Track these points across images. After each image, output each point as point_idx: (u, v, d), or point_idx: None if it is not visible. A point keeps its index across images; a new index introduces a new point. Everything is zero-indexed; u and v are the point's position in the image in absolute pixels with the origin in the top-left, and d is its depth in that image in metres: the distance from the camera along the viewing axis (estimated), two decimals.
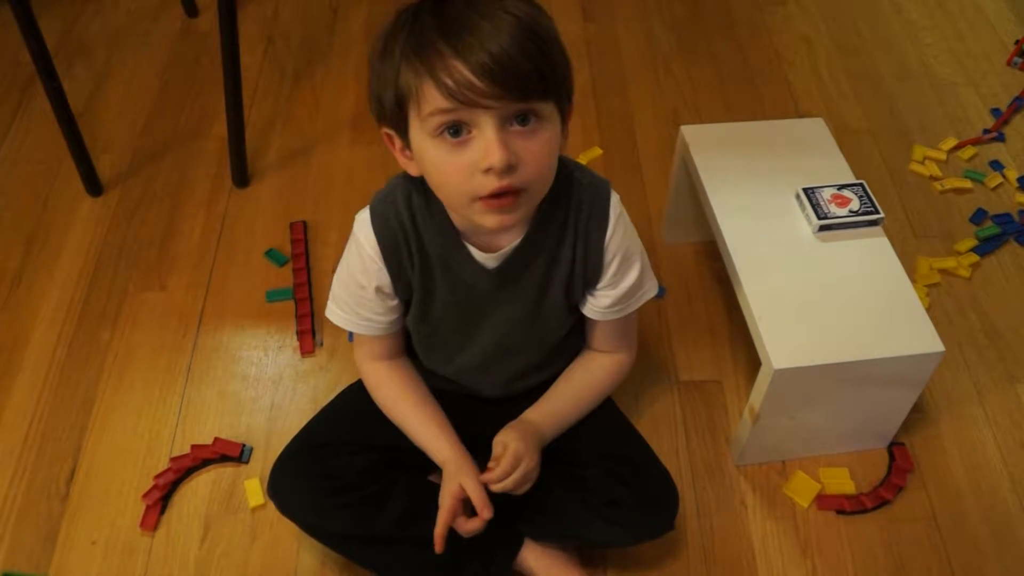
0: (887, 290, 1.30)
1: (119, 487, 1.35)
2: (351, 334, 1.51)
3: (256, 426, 1.42)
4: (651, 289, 1.18)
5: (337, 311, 1.16)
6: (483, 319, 1.14)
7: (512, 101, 0.90)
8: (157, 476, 1.34)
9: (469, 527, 1.11)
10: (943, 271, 1.65)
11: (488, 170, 0.92)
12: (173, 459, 1.36)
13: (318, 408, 1.29)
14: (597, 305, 1.15)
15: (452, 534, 1.19)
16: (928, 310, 1.27)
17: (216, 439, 1.39)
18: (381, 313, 1.14)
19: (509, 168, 0.92)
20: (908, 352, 1.23)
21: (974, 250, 1.68)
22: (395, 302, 1.14)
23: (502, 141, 0.91)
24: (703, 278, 1.64)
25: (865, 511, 1.34)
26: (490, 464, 1.12)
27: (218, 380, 1.48)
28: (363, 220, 1.08)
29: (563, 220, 1.08)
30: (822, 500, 1.34)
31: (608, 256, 1.10)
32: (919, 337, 1.24)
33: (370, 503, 1.17)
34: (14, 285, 1.62)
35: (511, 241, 1.07)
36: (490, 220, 0.97)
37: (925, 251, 1.68)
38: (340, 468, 1.17)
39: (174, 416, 1.43)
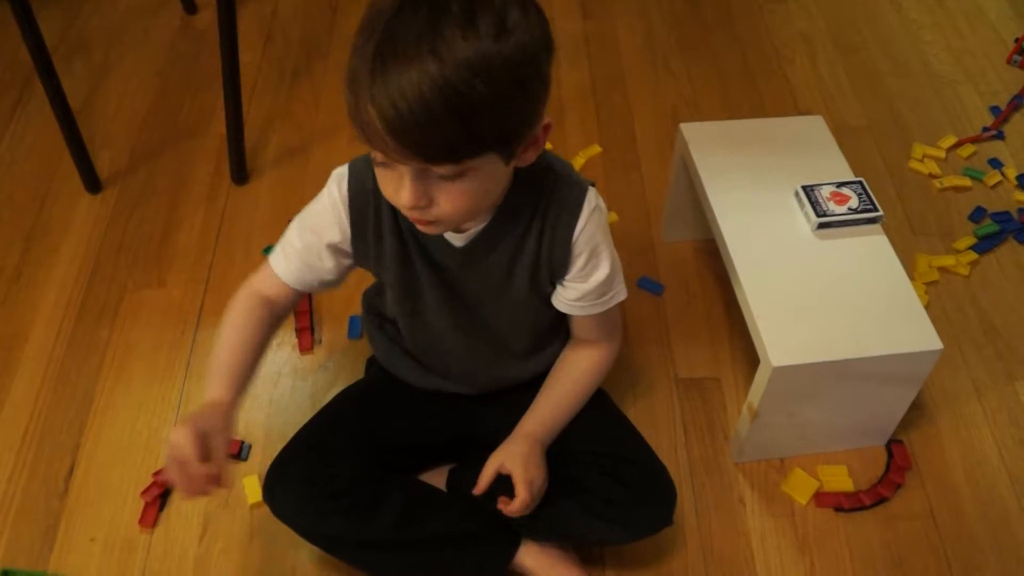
0: (886, 288, 1.30)
1: (118, 484, 1.35)
2: (350, 330, 1.53)
3: (255, 423, 1.42)
4: (621, 292, 1.16)
5: (280, 255, 1.11)
6: (458, 298, 1.13)
7: (421, 162, 0.88)
8: (156, 473, 1.34)
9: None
10: (942, 269, 1.65)
11: None
12: None
13: (317, 405, 1.28)
14: (566, 297, 1.13)
15: (453, 532, 1.20)
16: (927, 308, 1.27)
17: None
18: (321, 269, 1.11)
19: (420, 208, 0.92)
20: (907, 350, 1.23)
21: (973, 248, 1.68)
22: (348, 262, 1.11)
23: (415, 187, 0.90)
24: (702, 276, 1.64)
25: (863, 508, 1.34)
26: (502, 500, 1.14)
27: None
28: (340, 175, 1.06)
29: (532, 210, 1.06)
30: (820, 497, 1.35)
31: (576, 250, 1.08)
32: (918, 335, 1.24)
33: (364, 507, 1.17)
34: (13, 282, 1.62)
35: (478, 224, 1.05)
36: (420, 227, 0.99)
37: (924, 249, 1.68)
38: (333, 473, 1.17)
39: (173, 413, 1.43)
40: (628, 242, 1.68)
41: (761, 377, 1.24)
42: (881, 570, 1.28)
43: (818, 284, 1.30)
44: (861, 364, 1.23)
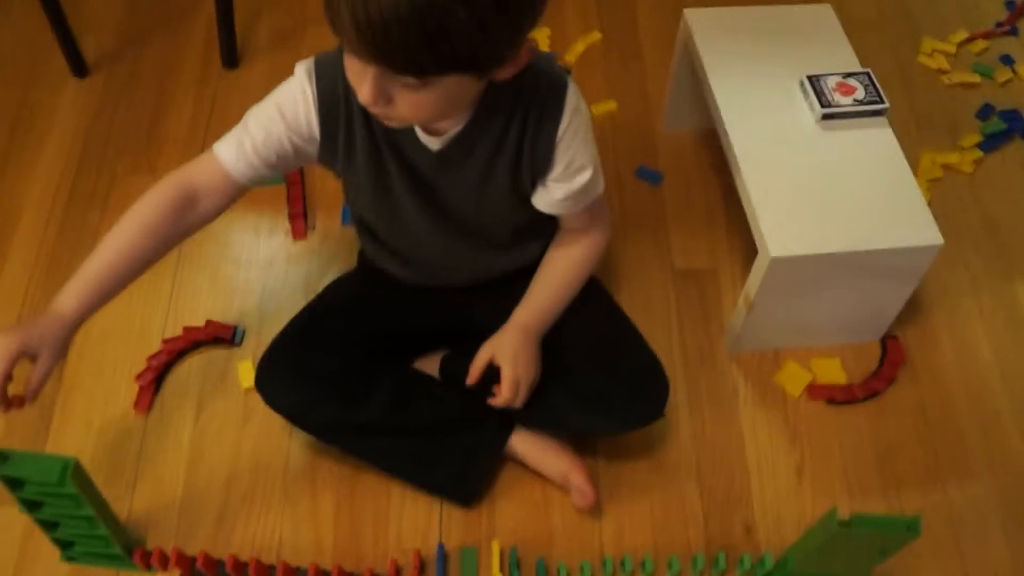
0: (888, 181, 1.28)
1: (112, 369, 1.35)
2: (344, 216, 1.50)
3: (248, 309, 1.41)
4: (600, 185, 1.13)
5: (232, 144, 1.04)
6: (434, 202, 1.10)
7: (387, 69, 0.85)
8: (150, 358, 1.34)
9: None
10: (946, 166, 1.62)
11: None
12: (165, 341, 1.36)
13: (310, 291, 1.28)
14: (551, 198, 1.10)
15: (445, 417, 1.20)
16: (928, 205, 1.26)
17: (208, 321, 1.38)
18: (274, 164, 1.04)
19: (379, 107, 0.90)
20: (907, 244, 1.22)
21: (978, 146, 1.65)
22: (308, 160, 1.06)
23: (375, 87, 0.87)
24: (702, 166, 1.61)
25: (855, 402, 1.34)
26: (494, 388, 1.14)
27: (209, 264, 1.46)
28: (307, 71, 1.00)
29: (511, 109, 1.02)
30: (813, 390, 1.35)
31: (560, 149, 1.04)
32: (919, 229, 1.23)
33: (354, 395, 1.17)
34: (0, 169, 1.59)
35: (454, 126, 1.02)
36: (381, 120, 0.96)
37: (929, 145, 1.65)
38: (323, 362, 1.17)
39: (166, 299, 1.42)
40: (627, 131, 1.65)
41: (759, 268, 1.23)
42: (870, 462, 1.29)
43: (820, 176, 1.28)
44: (860, 257, 1.22)
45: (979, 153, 1.64)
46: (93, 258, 1.03)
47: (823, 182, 1.27)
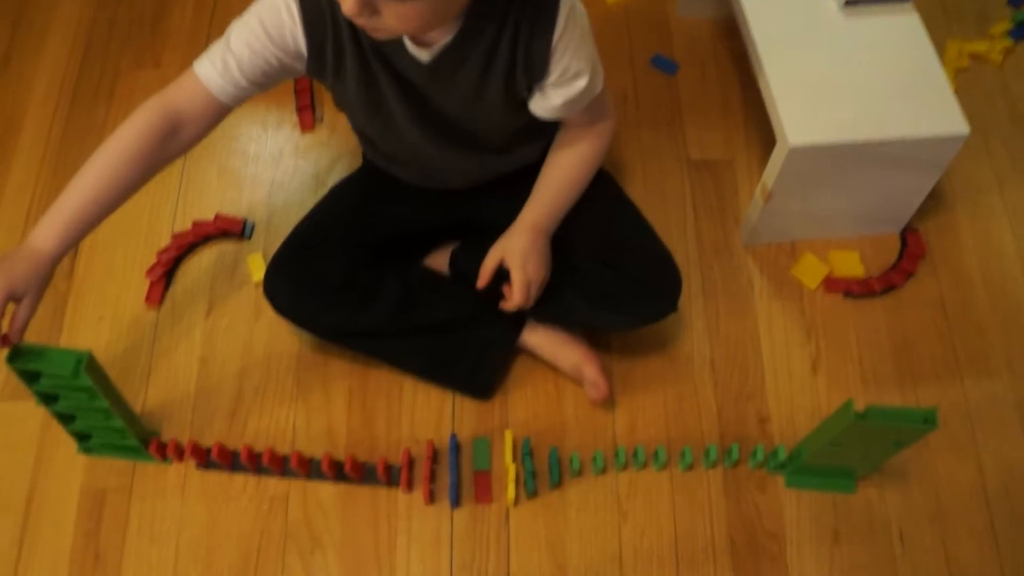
0: (913, 70, 1.24)
1: (123, 264, 1.35)
2: None
3: (257, 202, 1.40)
4: (599, 84, 1.08)
5: (216, 61, 0.99)
6: (426, 110, 1.07)
7: None
8: (160, 252, 1.34)
9: None
10: (973, 55, 1.57)
11: None
12: (175, 235, 1.35)
13: (319, 185, 1.26)
14: (548, 104, 1.06)
15: (456, 314, 1.20)
16: (954, 95, 1.22)
17: (217, 215, 1.37)
18: (259, 81, 1.00)
19: (364, 17, 0.86)
20: (931, 133, 1.19)
21: (1009, 34, 1.59)
22: (295, 75, 1.03)
23: None
24: (718, 55, 1.57)
25: (873, 295, 1.33)
26: (505, 291, 1.13)
27: (217, 158, 1.45)
28: None
29: (502, 15, 0.97)
30: (830, 283, 1.33)
31: (556, 55, 1.00)
32: (943, 119, 1.20)
33: (361, 299, 1.16)
34: (3, 67, 1.56)
35: (443, 36, 0.97)
36: (367, 32, 0.91)
37: (956, 34, 1.59)
38: (329, 269, 1.15)
39: (174, 194, 1.41)
40: (641, 18, 1.60)
41: (777, 157, 1.20)
42: (887, 356, 1.28)
43: (842, 64, 1.24)
44: (882, 147, 1.19)
45: (1009, 42, 1.58)
46: (72, 190, 0.99)
47: (845, 70, 1.23)
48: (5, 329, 0.96)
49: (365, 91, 1.03)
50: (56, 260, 0.97)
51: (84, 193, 0.98)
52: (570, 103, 1.05)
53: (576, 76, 1.02)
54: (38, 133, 1.48)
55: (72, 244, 0.98)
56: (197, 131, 1.03)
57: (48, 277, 0.97)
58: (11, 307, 0.95)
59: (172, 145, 1.02)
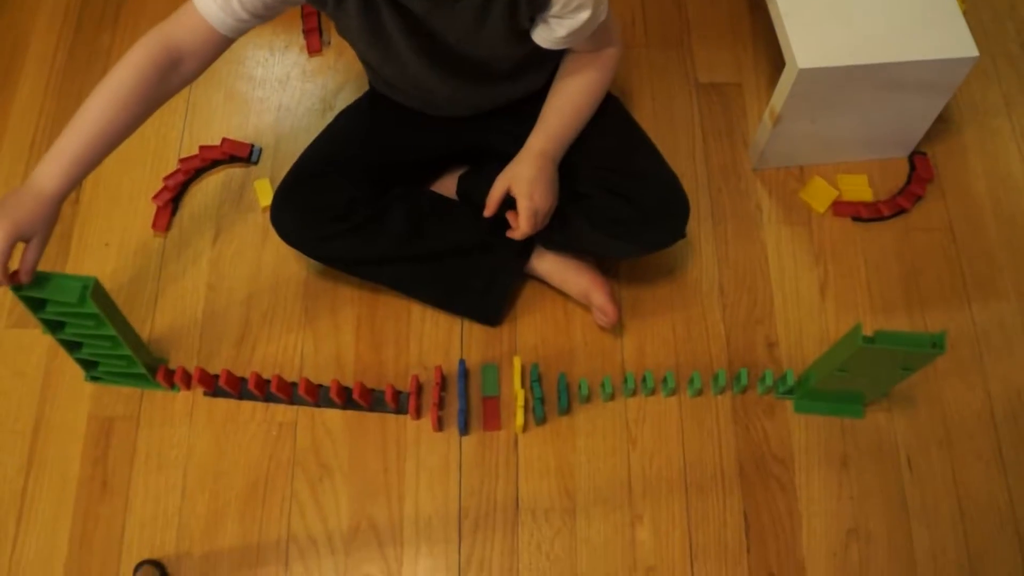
0: None
1: (129, 190, 1.34)
2: None
3: (264, 127, 1.39)
4: (603, 12, 1.06)
5: None
6: (429, 41, 1.05)
7: None
8: (167, 177, 1.33)
9: None
10: None
11: None
12: (182, 160, 1.35)
13: (327, 108, 1.25)
14: (551, 35, 1.04)
15: (464, 241, 1.19)
16: (964, 16, 1.20)
17: (224, 140, 1.36)
18: (259, 12, 0.99)
19: None
20: (940, 56, 1.18)
21: None
22: (293, 3, 1.02)
23: None
24: None
25: (882, 219, 1.32)
26: (510, 215, 1.12)
27: (224, 82, 1.43)
28: None
29: None
30: (838, 206, 1.33)
31: None
32: (953, 41, 1.19)
33: (367, 227, 1.15)
34: None
35: None
36: None
37: None
38: (334, 198, 1.15)
39: (181, 119, 1.40)
40: None
41: (786, 80, 1.19)
42: (895, 280, 1.28)
43: None
44: (891, 69, 1.18)
45: None
46: (75, 127, 0.97)
47: None
48: (14, 268, 0.95)
49: (366, 21, 1.02)
50: (61, 199, 0.97)
51: (87, 130, 0.97)
52: (574, 34, 1.03)
53: (579, 8, 1.01)
54: (43, 60, 1.46)
55: (76, 182, 0.98)
56: (198, 64, 1.02)
57: (54, 217, 0.97)
58: (19, 247, 0.95)
59: (173, 79, 1.00)
